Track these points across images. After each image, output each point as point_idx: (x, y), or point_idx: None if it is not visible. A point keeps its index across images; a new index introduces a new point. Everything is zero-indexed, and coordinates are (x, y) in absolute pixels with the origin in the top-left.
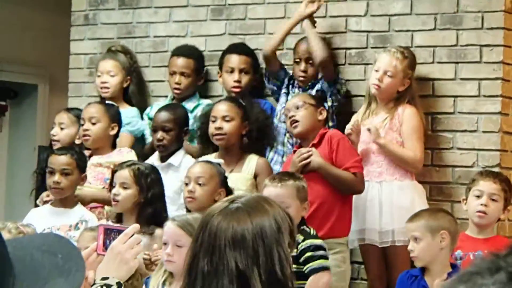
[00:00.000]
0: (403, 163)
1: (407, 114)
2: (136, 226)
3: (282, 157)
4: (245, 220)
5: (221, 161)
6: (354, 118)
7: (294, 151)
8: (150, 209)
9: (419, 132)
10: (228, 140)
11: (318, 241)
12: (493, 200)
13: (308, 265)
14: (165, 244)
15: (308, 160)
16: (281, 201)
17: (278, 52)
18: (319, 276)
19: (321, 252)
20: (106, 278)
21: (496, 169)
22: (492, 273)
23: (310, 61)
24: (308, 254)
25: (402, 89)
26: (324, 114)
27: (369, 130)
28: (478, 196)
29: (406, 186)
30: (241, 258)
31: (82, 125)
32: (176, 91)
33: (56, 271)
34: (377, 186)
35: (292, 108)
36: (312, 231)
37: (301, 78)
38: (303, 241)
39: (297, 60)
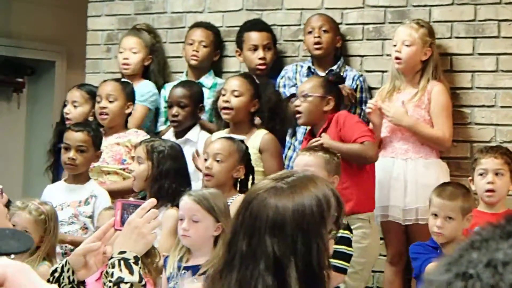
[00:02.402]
0: (432, 142)
1: (436, 91)
2: (153, 200)
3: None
4: (288, 205)
5: (243, 137)
6: (377, 95)
7: (306, 138)
8: (156, 185)
9: (447, 110)
10: (234, 115)
11: (346, 233)
12: (498, 174)
13: (330, 260)
14: (181, 219)
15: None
16: (305, 170)
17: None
18: (335, 276)
19: (344, 249)
20: (124, 252)
21: None
22: (505, 239)
23: (324, 29)
24: (334, 246)
25: (424, 58)
26: (332, 104)
27: (403, 102)
28: (482, 174)
29: (431, 164)
30: (279, 246)
31: (99, 102)
32: (193, 58)
33: (6, 238)
34: (402, 163)
35: (299, 95)
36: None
37: (316, 46)
38: None
39: (310, 30)
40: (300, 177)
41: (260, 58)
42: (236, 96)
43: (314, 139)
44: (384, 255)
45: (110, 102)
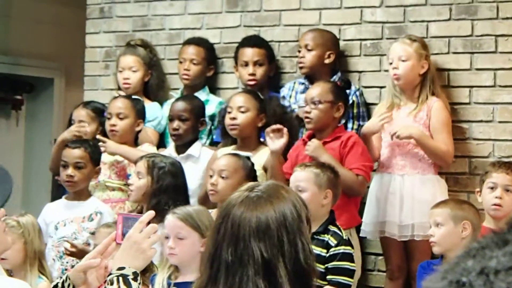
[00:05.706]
0: (436, 156)
1: (436, 108)
2: (151, 213)
3: None
4: (268, 209)
5: (249, 154)
6: (377, 111)
7: (303, 140)
8: (154, 200)
9: (448, 126)
10: (241, 131)
11: (348, 249)
12: (507, 191)
13: (334, 276)
14: (167, 238)
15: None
16: (297, 185)
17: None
18: None
19: (348, 265)
20: (123, 268)
21: None
22: (500, 246)
23: (308, 47)
24: (337, 263)
25: (422, 71)
26: (342, 110)
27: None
28: (492, 188)
29: (428, 180)
30: (266, 248)
31: (109, 119)
32: (184, 77)
33: None
34: (399, 179)
35: (309, 101)
36: (344, 235)
37: (299, 65)
38: (336, 246)
39: (299, 49)
40: (269, 185)
41: (249, 74)
42: (243, 112)
43: (309, 142)
44: (384, 271)
45: (121, 119)
